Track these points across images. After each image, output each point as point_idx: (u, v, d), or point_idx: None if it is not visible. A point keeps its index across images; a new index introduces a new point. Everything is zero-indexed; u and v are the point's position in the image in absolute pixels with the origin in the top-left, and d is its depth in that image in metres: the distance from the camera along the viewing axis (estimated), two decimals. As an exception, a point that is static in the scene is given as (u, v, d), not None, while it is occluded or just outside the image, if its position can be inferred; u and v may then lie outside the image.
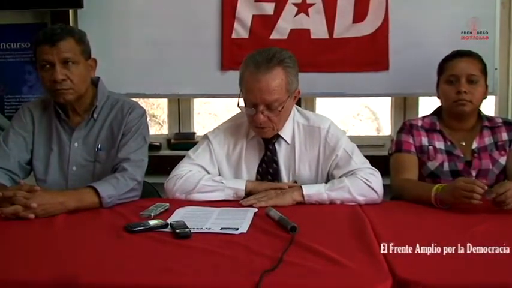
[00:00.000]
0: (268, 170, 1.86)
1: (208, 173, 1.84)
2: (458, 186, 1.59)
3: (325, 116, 1.98)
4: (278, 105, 1.73)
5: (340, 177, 1.79)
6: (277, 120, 1.77)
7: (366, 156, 1.88)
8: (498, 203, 1.58)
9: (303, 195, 1.71)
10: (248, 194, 1.76)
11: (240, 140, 1.90)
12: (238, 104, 1.80)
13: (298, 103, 2.65)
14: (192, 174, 1.79)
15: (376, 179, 1.76)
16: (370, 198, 1.74)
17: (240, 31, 2.72)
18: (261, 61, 1.72)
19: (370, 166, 1.82)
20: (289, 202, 1.69)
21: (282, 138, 1.86)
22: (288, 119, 1.85)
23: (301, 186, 1.74)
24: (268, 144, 1.86)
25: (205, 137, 1.93)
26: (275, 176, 1.86)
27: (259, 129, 1.80)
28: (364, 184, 1.73)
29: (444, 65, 2.04)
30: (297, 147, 1.86)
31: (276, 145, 1.87)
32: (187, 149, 1.95)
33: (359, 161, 1.82)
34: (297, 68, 1.80)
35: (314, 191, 1.72)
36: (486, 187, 1.58)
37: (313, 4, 2.68)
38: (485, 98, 2.04)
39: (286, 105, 1.76)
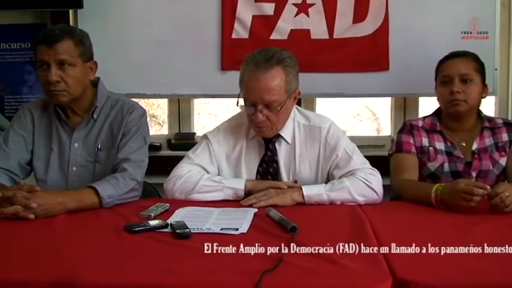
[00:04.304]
0: (268, 169, 1.86)
1: (208, 172, 1.84)
2: (458, 189, 1.58)
3: (325, 116, 1.98)
4: (277, 105, 1.73)
5: (340, 177, 1.79)
6: (276, 119, 1.77)
7: (366, 157, 1.88)
8: (495, 206, 1.56)
9: (303, 196, 1.71)
10: (248, 193, 1.75)
11: (240, 139, 1.89)
12: (237, 103, 1.80)
13: (298, 103, 2.64)
14: (191, 174, 1.79)
15: (376, 180, 1.76)
16: (370, 199, 1.74)
17: (240, 31, 2.72)
18: (260, 60, 1.72)
19: (370, 166, 1.82)
20: (289, 202, 1.69)
21: (282, 138, 1.86)
22: (288, 119, 1.85)
23: (301, 187, 1.73)
24: (268, 144, 1.86)
25: (205, 136, 1.93)
26: (275, 175, 1.86)
27: (258, 129, 1.80)
28: (364, 185, 1.73)
29: (439, 67, 2.05)
30: (297, 147, 1.86)
31: (276, 145, 1.87)
32: (188, 149, 1.95)
33: (359, 161, 1.82)
34: (297, 68, 1.79)
35: (314, 192, 1.72)
36: (488, 187, 1.57)
37: (313, 4, 2.68)
38: (484, 97, 2.04)
39: (285, 105, 1.76)
